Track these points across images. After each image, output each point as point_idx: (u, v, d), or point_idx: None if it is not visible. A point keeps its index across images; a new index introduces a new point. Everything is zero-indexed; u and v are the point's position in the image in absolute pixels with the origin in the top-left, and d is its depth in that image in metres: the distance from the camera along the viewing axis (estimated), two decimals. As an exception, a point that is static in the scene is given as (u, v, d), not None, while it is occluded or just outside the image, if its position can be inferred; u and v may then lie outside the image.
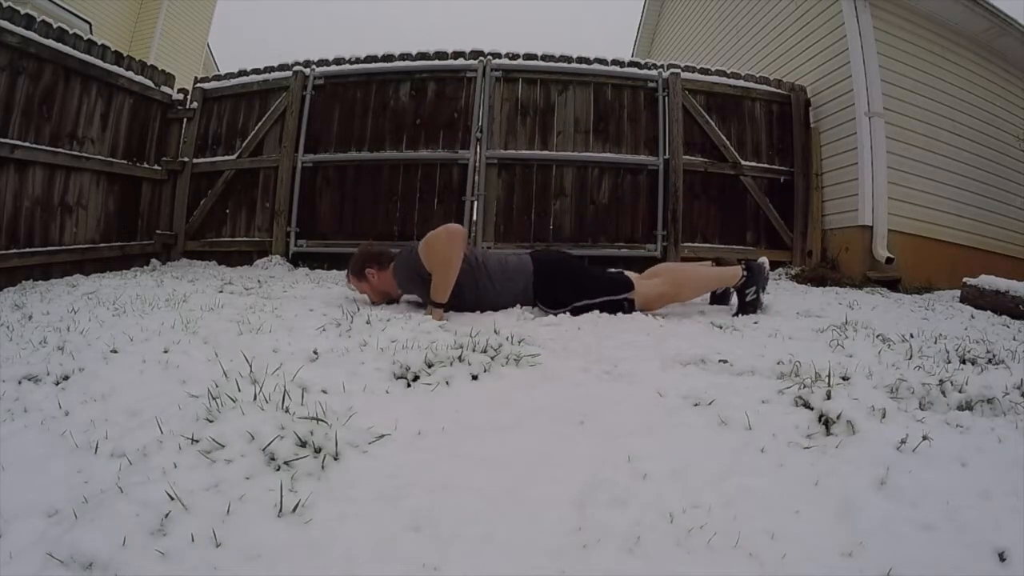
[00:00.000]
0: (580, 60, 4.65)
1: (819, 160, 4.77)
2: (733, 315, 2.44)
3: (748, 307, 2.45)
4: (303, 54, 4.82)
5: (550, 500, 0.91)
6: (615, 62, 4.69)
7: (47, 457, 1.06)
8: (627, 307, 2.35)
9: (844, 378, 1.41)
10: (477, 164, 4.45)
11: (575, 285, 2.38)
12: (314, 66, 4.66)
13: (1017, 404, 1.28)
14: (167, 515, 0.83)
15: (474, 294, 2.33)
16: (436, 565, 0.77)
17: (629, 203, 4.54)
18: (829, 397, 1.21)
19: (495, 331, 1.77)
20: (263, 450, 0.99)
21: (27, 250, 3.50)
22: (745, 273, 2.45)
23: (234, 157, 4.65)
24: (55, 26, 3.72)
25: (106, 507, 0.85)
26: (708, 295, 2.70)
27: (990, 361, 1.70)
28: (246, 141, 4.63)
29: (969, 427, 1.16)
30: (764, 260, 2.53)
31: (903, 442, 1.05)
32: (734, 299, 2.55)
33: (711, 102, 4.71)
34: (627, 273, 2.51)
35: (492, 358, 1.53)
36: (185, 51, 10.22)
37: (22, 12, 3.53)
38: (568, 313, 2.30)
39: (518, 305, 2.38)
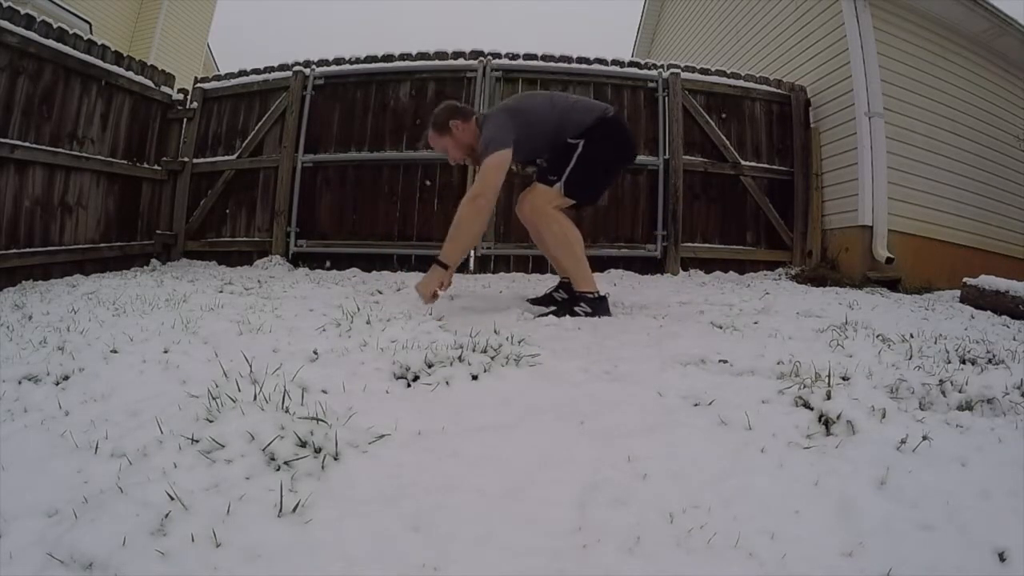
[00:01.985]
0: (580, 60, 4.65)
1: (819, 160, 4.77)
2: (556, 298, 2.51)
3: (565, 310, 2.34)
4: (303, 54, 4.82)
5: (550, 500, 0.91)
6: (615, 62, 4.68)
7: (47, 457, 1.06)
8: (551, 179, 2.37)
9: (844, 378, 1.41)
10: (477, 164, 4.44)
11: (599, 149, 2.37)
12: (314, 66, 4.66)
13: (1017, 404, 1.28)
14: (167, 515, 0.83)
15: (546, 142, 2.40)
16: (436, 565, 0.77)
17: (629, 203, 4.54)
18: (829, 397, 1.21)
19: (495, 331, 1.77)
20: (263, 450, 0.99)
21: (27, 250, 3.50)
22: (595, 295, 2.37)
23: (234, 157, 4.65)
24: (55, 26, 3.72)
25: (106, 507, 0.85)
26: (542, 295, 2.70)
27: (990, 361, 1.70)
28: (246, 141, 4.63)
29: (969, 427, 1.16)
30: (609, 313, 2.42)
31: (903, 442, 1.05)
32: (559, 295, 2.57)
33: (711, 102, 4.71)
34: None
35: (492, 358, 1.53)
36: (185, 51, 10.22)
37: (22, 12, 3.53)
38: (573, 142, 2.36)
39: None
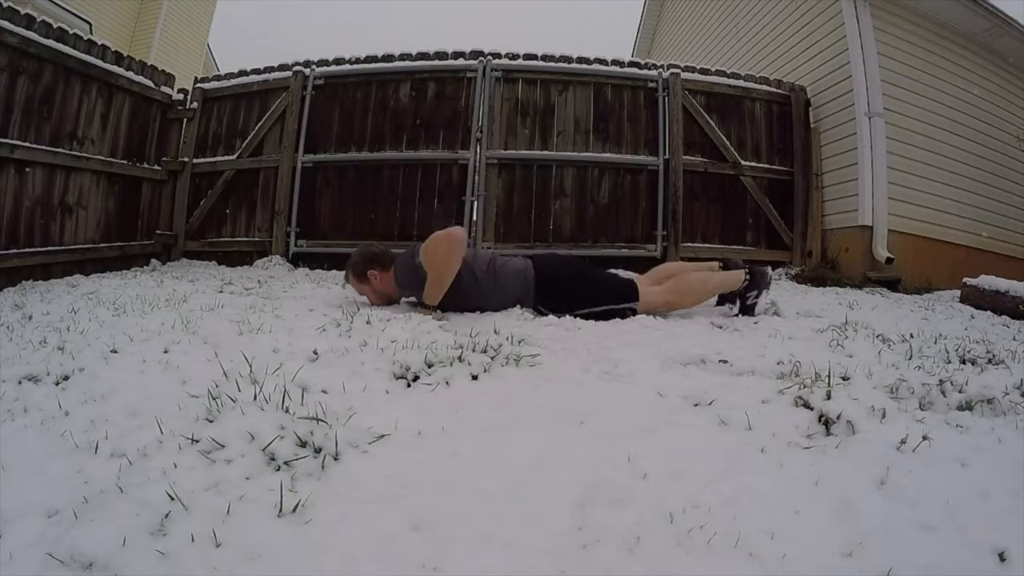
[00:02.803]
0: (580, 60, 4.65)
1: (819, 160, 4.77)
2: (733, 315, 2.45)
3: (749, 309, 2.48)
4: (303, 54, 4.83)
5: (550, 500, 0.91)
6: (615, 62, 4.69)
7: (47, 457, 1.06)
8: (628, 315, 2.33)
9: (844, 378, 1.41)
10: (477, 164, 4.45)
11: (577, 295, 2.35)
12: (314, 66, 4.66)
13: (1017, 404, 1.28)
14: (167, 515, 0.82)
15: (475, 295, 2.33)
16: (436, 565, 0.77)
17: (629, 203, 4.54)
18: (829, 397, 1.21)
19: (495, 331, 1.77)
20: (263, 450, 0.99)
21: (27, 250, 3.50)
22: (747, 278, 2.47)
23: (234, 157, 4.65)
24: (55, 26, 3.72)
25: (106, 507, 0.85)
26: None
27: (990, 361, 1.70)
28: (246, 141, 4.63)
29: (969, 427, 1.16)
30: (768, 269, 2.57)
31: (903, 442, 1.05)
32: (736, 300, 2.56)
33: (711, 102, 4.71)
34: (632, 277, 2.49)
35: (492, 358, 1.53)
36: (185, 51, 10.22)
37: (22, 12, 3.53)
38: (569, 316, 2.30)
39: (518, 306, 2.37)
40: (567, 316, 2.29)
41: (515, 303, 2.37)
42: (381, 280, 2.44)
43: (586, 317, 2.29)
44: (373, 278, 2.44)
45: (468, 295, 2.32)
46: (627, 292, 2.37)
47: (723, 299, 2.67)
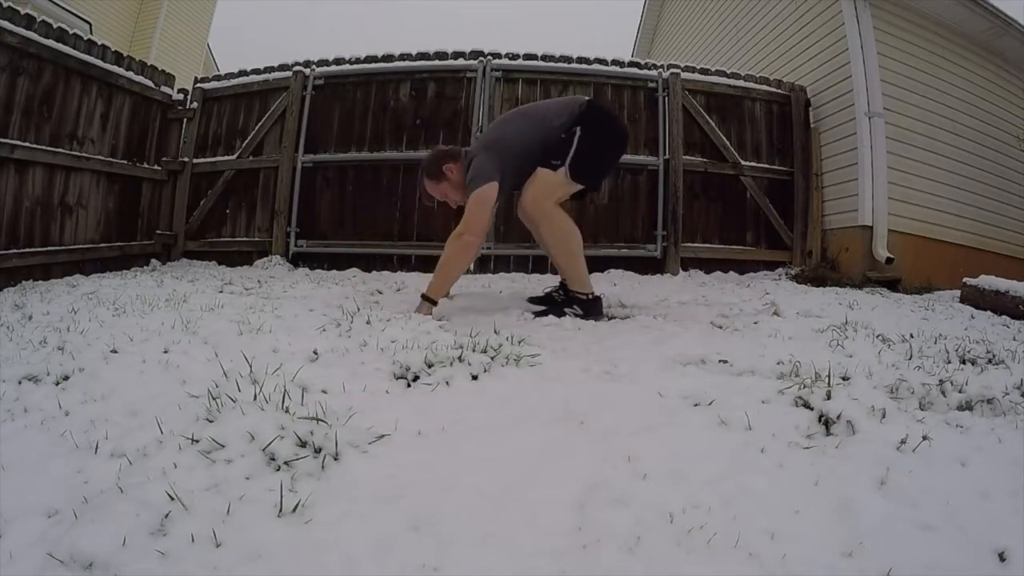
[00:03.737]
0: (580, 60, 4.65)
1: (819, 160, 4.77)
2: (557, 298, 2.46)
3: (556, 311, 2.34)
4: (303, 54, 4.82)
5: (550, 500, 0.91)
6: (615, 62, 4.68)
7: (47, 457, 1.06)
8: (554, 163, 2.29)
9: (844, 378, 1.41)
10: (477, 164, 4.44)
11: (596, 134, 2.32)
12: (314, 66, 4.66)
13: (1017, 404, 1.28)
14: (167, 515, 0.83)
15: (533, 161, 2.34)
16: (436, 565, 0.77)
17: (629, 203, 4.54)
18: (829, 397, 1.21)
19: (495, 331, 1.77)
20: (263, 450, 0.99)
21: (27, 250, 3.50)
22: (590, 296, 2.37)
23: (234, 157, 4.65)
24: (55, 26, 3.72)
25: (106, 507, 0.85)
26: (543, 295, 2.65)
27: (990, 361, 1.70)
28: (246, 141, 4.63)
29: (969, 427, 1.16)
30: (604, 314, 2.42)
31: (903, 442, 1.05)
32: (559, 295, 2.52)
33: (711, 102, 4.71)
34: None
35: (492, 358, 1.53)
36: (185, 51, 10.22)
37: (22, 12, 3.52)
38: (568, 135, 2.30)
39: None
40: (574, 128, 2.30)
41: (565, 126, 2.33)
42: (458, 172, 2.38)
43: (560, 145, 2.31)
44: (449, 172, 2.38)
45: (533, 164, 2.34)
46: (583, 175, 2.33)
47: (558, 296, 2.57)
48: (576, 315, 2.28)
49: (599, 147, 2.37)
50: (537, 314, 2.30)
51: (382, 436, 1.10)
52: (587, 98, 2.44)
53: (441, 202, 2.58)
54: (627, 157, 4.53)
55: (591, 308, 2.34)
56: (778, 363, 1.55)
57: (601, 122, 2.37)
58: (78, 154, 3.85)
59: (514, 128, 2.42)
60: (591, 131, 2.32)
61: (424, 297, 2.27)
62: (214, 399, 1.16)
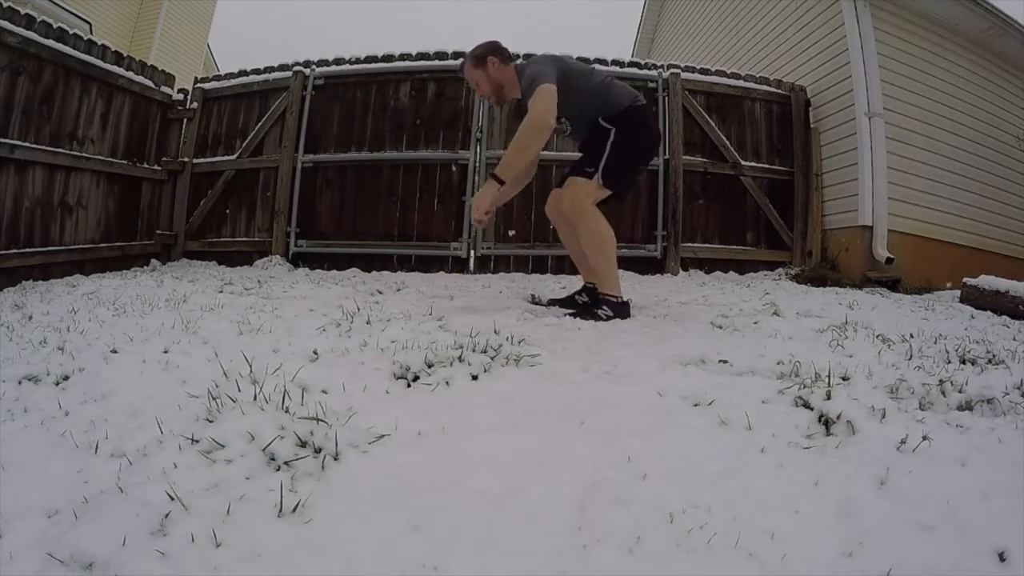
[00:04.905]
0: (580, 60, 4.64)
1: (819, 160, 4.77)
2: (579, 301, 2.50)
3: (587, 313, 2.32)
4: (303, 54, 4.83)
5: (550, 500, 0.91)
6: (615, 62, 4.69)
7: (47, 457, 1.06)
8: (588, 170, 2.34)
9: (844, 378, 1.41)
10: (477, 164, 4.45)
11: (631, 138, 2.38)
12: (314, 66, 4.66)
13: (1017, 404, 1.28)
14: (167, 515, 0.83)
15: (581, 107, 2.40)
16: (436, 565, 0.77)
17: (629, 203, 4.54)
18: (829, 397, 1.21)
19: (495, 331, 1.77)
20: (263, 450, 0.99)
21: (27, 250, 3.50)
22: (618, 299, 2.35)
23: (234, 157, 4.65)
24: (55, 26, 3.72)
25: (106, 507, 0.85)
26: (568, 296, 2.66)
27: (990, 361, 1.70)
28: (246, 141, 4.63)
29: (969, 427, 1.16)
30: (628, 311, 2.40)
31: (903, 442, 1.05)
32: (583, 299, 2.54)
33: (711, 102, 4.71)
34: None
35: (492, 358, 1.52)
36: (185, 51, 10.22)
37: (22, 12, 3.53)
38: (605, 127, 2.37)
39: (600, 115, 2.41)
40: (611, 126, 2.36)
41: (609, 105, 2.40)
42: (499, 70, 2.43)
43: (593, 143, 2.40)
44: (491, 64, 2.42)
45: (579, 110, 2.41)
46: (610, 176, 2.36)
47: (582, 298, 2.60)
48: (607, 317, 2.29)
49: (628, 157, 2.42)
50: (568, 314, 2.32)
51: (382, 436, 1.10)
52: (642, 100, 2.47)
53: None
54: (627, 157, 4.55)
55: (621, 311, 2.34)
56: (778, 363, 1.55)
57: (636, 131, 2.41)
58: (78, 154, 3.85)
59: (580, 66, 2.49)
60: (625, 138, 2.36)
61: (494, 176, 2.24)
62: (214, 399, 1.16)
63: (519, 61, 2.52)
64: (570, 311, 2.39)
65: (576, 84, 2.36)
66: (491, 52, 2.43)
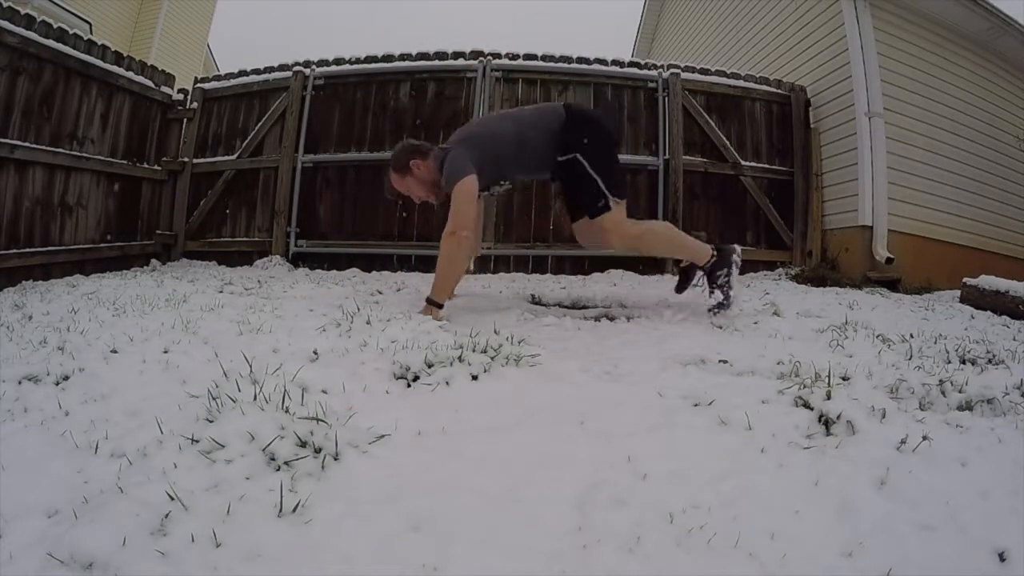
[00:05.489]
0: (580, 60, 4.65)
1: (819, 160, 4.77)
2: (708, 295, 2.46)
3: (719, 288, 2.39)
4: (303, 54, 4.82)
5: (550, 500, 0.91)
6: (615, 62, 4.68)
7: (47, 457, 1.06)
8: (599, 206, 2.30)
9: (844, 378, 1.41)
10: (477, 164, 4.44)
11: (596, 147, 2.34)
12: (314, 66, 4.66)
13: (1017, 404, 1.28)
14: (167, 515, 0.83)
15: (513, 160, 2.36)
16: (436, 565, 0.77)
17: (629, 203, 4.48)
18: (829, 397, 1.21)
19: (495, 331, 1.77)
20: (263, 450, 0.99)
21: (27, 250, 3.50)
22: (714, 254, 2.41)
23: (234, 157, 4.65)
24: (55, 26, 3.72)
25: (106, 507, 0.85)
26: (675, 285, 2.67)
27: (990, 361, 1.70)
28: (246, 141, 4.63)
29: (969, 427, 1.16)
30: (736, 247, 2.48)
31: (903, 442, 1.05)
32: (702, 283, 2.52)
33: (711, 102, 4.71)
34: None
35: (492, 358, 1.52)
36: (185, 51, 10.22)
37: (22, 12, 3.53)
38: (565, 161, 2.30)
39: (549, 149, 2.34)
40: (570, 156, 2.30)
41: (549, 140, 2.34)
42: (425, 168, 2.41)
43: (577, 170, 2.30)
44: (416, 167, 2.40)
45: (512, 164, 2.38)
46: (619, 190, 2.36)
47: (685, 280, 2.63)
48: (728, 276, 2.37)
49: (607, 161, 2.39)
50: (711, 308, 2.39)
51: (382, 436, 1.10)
52: (560, 106, 2.42)
53: (440, 203, 2.58)
54: (627, 157, 4.54)
55: (726, 258, 2.40)
56: (778, 363, 1.55)
57: (593, 138, 2.37)
58: (78, 154, 3.85)
59: (496, 124, 2.46)
60: (592, 153, 2.33)
61: (429, 301, 2.25)
62: (214, 399, 1.16)
63: (436, 149, 2.48)
64: (715, 303, 2.42)
65: (501, 149, 2.33)
66: (410, 155, 2.42)
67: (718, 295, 2.40)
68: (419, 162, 2.40)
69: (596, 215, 2.33)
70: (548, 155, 2.36)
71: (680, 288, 2.63)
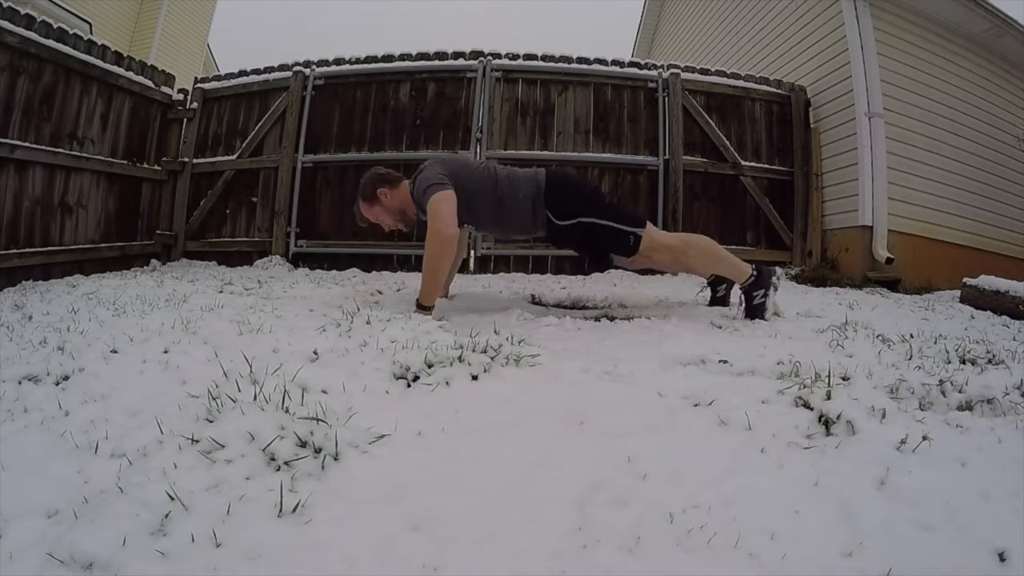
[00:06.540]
0: (580, 60, 4.65)
1: (819, 160, 4.77)
2: (739, 317, 2.35)
3: (755, 311, 2.31)
4: (303, 54, 4.83)
5: (550, 500, 0.91)
6: (615, 62, 4.69)
7: (47, 457, 1.06)
8: (631, 244, 2.29)
9: (844, 378, 1.41)
10: (477, 164, 4.45)
11: (587, 200, 2.34)
12: (314, 66, 4.66)
13: (1017, 404, 1.28)
14: (167, 515, 0.83)
15: (488, 205, 2.35)
16: (436, 565, 0.77)
17: (629, 203, 4.54)
18: (829, 397, 1.21)
19: (495, 331, 1.77)
20: (263, 450, 0.99)
21: (27, 250, 3.50)
22: (754, 274, 2.33)
23: (234, 157, 4.65)
24: (55, 26, 3.72)
25: (106, 507, 0.85)
26: (708, 297, 2.68)
27: (990, 361, 1.70)
28: (246, 141, 4.63)
29: (969, 427, 1.16)
30: (777, 269, 2.46)
31: (903, 442, 1.05)
32: (736, 299, 2.50)
33: (711, 102, 4.71)
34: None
35: (492, 358, 1.52)
36: (185, 51, 10.22)
37: (22, 12, 3.53)
38: (569, 225, 2.30)
39: (530, 214, 2.34)
40: (571, 222, 2.29)
41: (528, 210, 2.34)
42: (392, 197, 2.44)
43: (590, 231, 2.29)
44: (383, 196, 2.43)
45: (484, 206, 2.36)
46: (636, 219, 2.34)
47: (717, 300, 2.63)
48: (765, 296, 2.30)
49: (604, 206, 2.39)
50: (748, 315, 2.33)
51: (382, 436, 1.10)
52: (542, 173, 2.42)
53: (408, 229, 2.63)
54: (627, 157, 4.56)
55: (764, 278, 2.33)
56: (778, 363, 1.55)
57: (583, 195, 2.40)
58: (78, 154, 3.85)
59: (474, 167, 2.50)
60: (594, 207, 2.34)
61: (418, 305, 2.25)
62: (214, 399, 1.16)
63: (404, 180, 2.51)
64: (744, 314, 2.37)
65: (474, 185, 2.33)
66: (377, 184, 2.45)
67: (752, 295, 2.34)
68: (386, 191, 2.44)
69: (637, 250, 2.33)
70: (531, 215, 2.36)
71: (714, 303, 2.64)
